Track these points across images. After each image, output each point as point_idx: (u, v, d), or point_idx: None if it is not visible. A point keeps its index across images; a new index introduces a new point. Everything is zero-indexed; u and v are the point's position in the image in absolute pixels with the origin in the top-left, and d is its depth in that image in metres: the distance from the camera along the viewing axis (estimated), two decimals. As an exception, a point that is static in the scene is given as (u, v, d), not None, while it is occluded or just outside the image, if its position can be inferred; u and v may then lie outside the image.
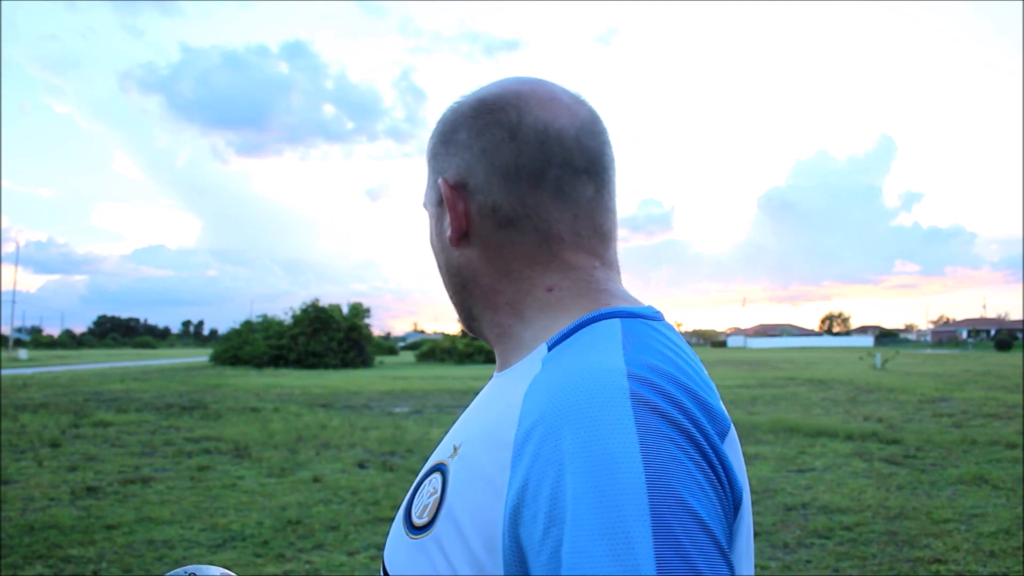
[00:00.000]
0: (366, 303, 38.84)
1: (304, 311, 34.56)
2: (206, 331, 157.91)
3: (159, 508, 5.61)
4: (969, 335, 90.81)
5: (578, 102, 0.72)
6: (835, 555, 4.53)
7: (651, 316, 0.67)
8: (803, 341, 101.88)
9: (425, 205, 0.76)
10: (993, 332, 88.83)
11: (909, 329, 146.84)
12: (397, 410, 12.71)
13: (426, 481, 0.65)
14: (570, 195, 0.68)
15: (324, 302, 35.53)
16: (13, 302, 72.01)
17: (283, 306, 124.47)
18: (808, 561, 4.44)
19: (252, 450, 8.24)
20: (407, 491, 0.69)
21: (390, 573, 0.64)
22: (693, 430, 0.53)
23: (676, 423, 0.53)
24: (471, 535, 0.56)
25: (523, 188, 0.67)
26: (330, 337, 33.35)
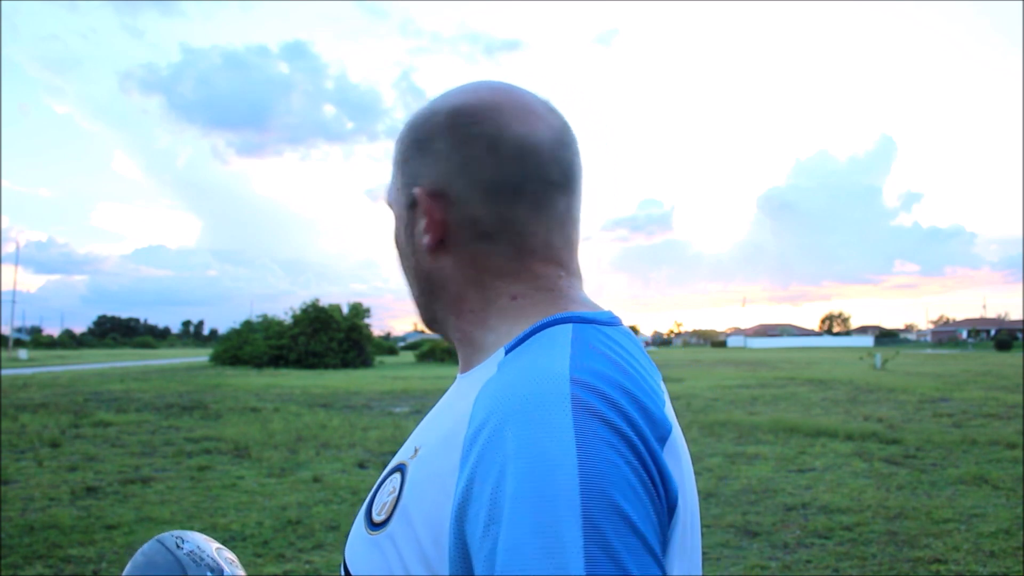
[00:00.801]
0: (366, 303, 38.74)
1: (304, 311, 34.54)
2: (206, 331, 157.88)
3: (159, 508, 5.61)
4: (969, 335, 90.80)
5: (551, 112, 0.73)
6: (835, 555, 4.53)
7: (606, 321, 0.68)
8: (803, 341, 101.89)
9: (390, 203, 0.77)
10: (993, 332, 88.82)
11: (909, 329, 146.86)
12: (397, 410, 12.71)
13: (387, 480, 0.67)
14: (545, 208, 0.70)
15: (324, 302, 35.53)
16: (13, 302, 72.12)
17: (283, 306, 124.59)
18: (808, 561, 4.44)
19: (252, 450, 8.24)
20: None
21: (349, 567, 0.67)
22: (631, 435, 0.55)
23: (614, 427, 0.54)
24: (422, 533, 0.59)
25: (503, 202, 0.68)
26: (330, 337, 33.34)
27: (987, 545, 4.70)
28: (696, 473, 5.33)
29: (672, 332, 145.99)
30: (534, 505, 0.50)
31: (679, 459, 0.61)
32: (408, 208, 0.73)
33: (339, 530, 5.08)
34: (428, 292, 0.75)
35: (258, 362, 31.96)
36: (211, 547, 0.93)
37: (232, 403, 13.61)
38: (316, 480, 6.68)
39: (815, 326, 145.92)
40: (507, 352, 0.67)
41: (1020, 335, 77.57)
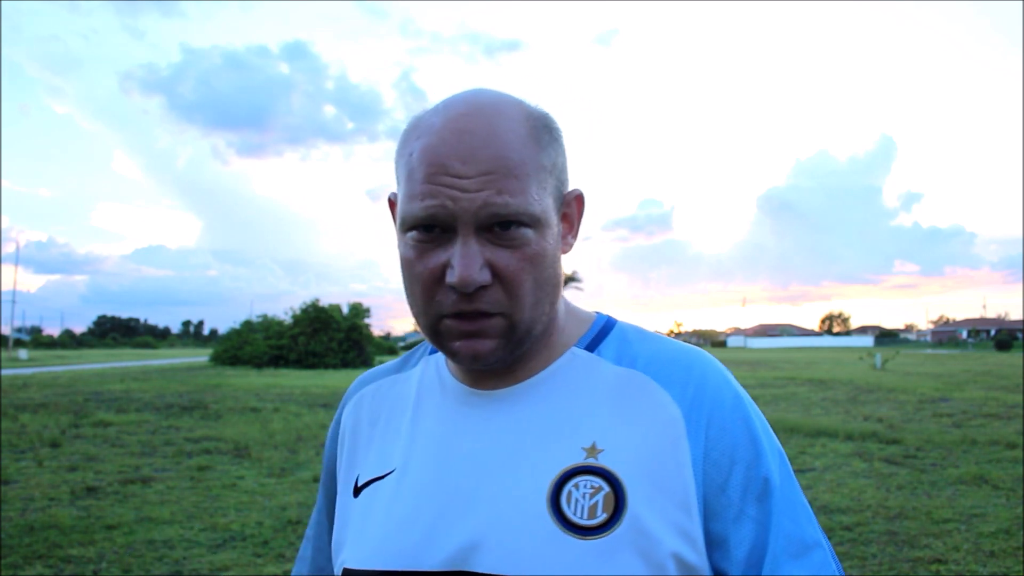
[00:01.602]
0: (366, 303, 38.67)
1: (304, 311, 34.51)
2: (206, 331, 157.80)
3: (159, 508, 5.61)
4: (969, 335, 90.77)
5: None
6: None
7: None
8: (803, 341, 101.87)
9: (540, 215, 0.70)
10: (993, 332, 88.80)
11: (909, 329, 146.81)
12: (397, 410, 12.70)
13: (569, 487, 0.68)
14: None
15: (324, 302, 35.47)
16: (13, 302, 72.11)
17: (283, 306, 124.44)
18: (808, 561, 4.44)
19: (252, 450, 8.24)
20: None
21: None
22: None
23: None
24: (671, 507, 0.67)
25: None
26: (330, 337, 33.30)
27: (987, 545, 4.70)
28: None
29: (672, 332, 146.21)
30: (767, 436, 0.73)
31: None
32: (557, 211, 0.74)
33: (339, 530, 5.08)
34: (553, 301, 0.74)
35: (258, 362, 31.93)
36: None
37: (232, 403, 13.60)
38: (316, 480, 6.68)
39: (815, 326, 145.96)
40: (590, 349, 0.77)
41: (1020, 335, 77.56)
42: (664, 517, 0.66)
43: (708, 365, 0.74)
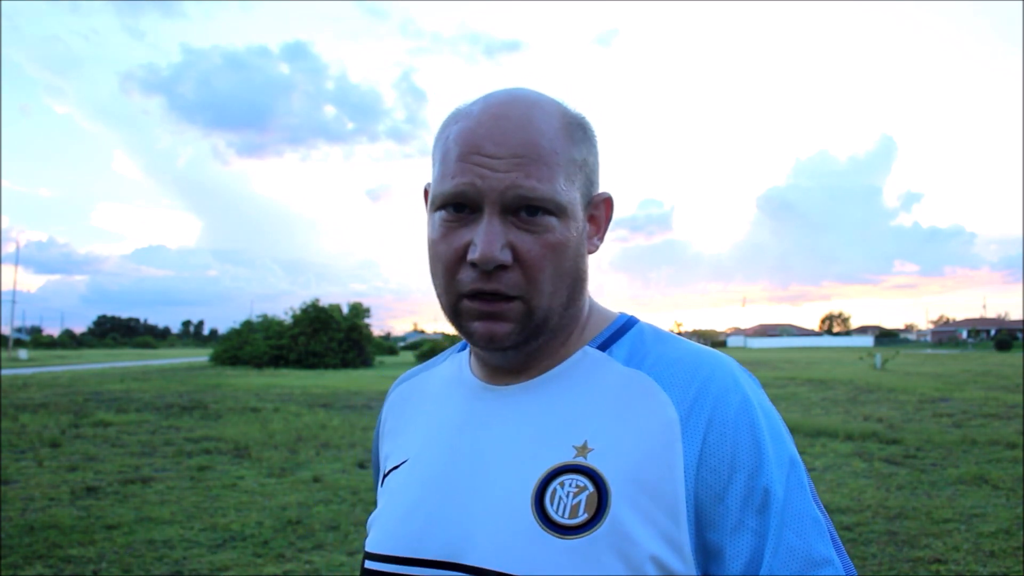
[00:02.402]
0: (366, 303, 38.72)
1: (304, 311, 34.53)
2: (206, 331, 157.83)
3: (159, 508, 5.61)
4: (969, 335, 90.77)
5: None
6: (835, 555, 4.53)
7: None
8: (803, 341, 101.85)
9: (565, 205, 0.71)
10: (993, 332, 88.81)
11: (909, 329, 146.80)
12: (397, 410, 12.71)
13: (554, 485, 0.68)
14: None
15: (324, 302, 35.51)
16: (13, 302, 72.02)
17: (283, 306, 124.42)
18: (808, 561, 4.44)
19: (252, 450, 8.24)
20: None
21: None
22: None
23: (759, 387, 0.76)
24: (656, 512, 0.66)
25: None
26: (330, 337, 33.32)
27: (987, 545, 4.70)
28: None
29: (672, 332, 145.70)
30: (776, 446, 0.69)
31: None
32: (585, 210, 0.76)
33: (339, 530, 5.08)
34: (577, 298, 0.77)
35: (258, 362, 31.94)
36: None
37: (232, 403, 13.61)
38: (316, 480, 6.68)
39: (815, 326, 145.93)
40: (603, 349, 0.77)
41: (1020, 335, 77.58)
42: (648, 521, 0.65)
43: (717, 367, 0.72)
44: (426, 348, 43.21)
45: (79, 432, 9.67)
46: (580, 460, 0.68)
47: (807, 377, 20.84)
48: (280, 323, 34.73)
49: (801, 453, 5.83)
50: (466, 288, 0.71)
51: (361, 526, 5.19)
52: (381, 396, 15.74)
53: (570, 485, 0.67)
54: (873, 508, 5.59)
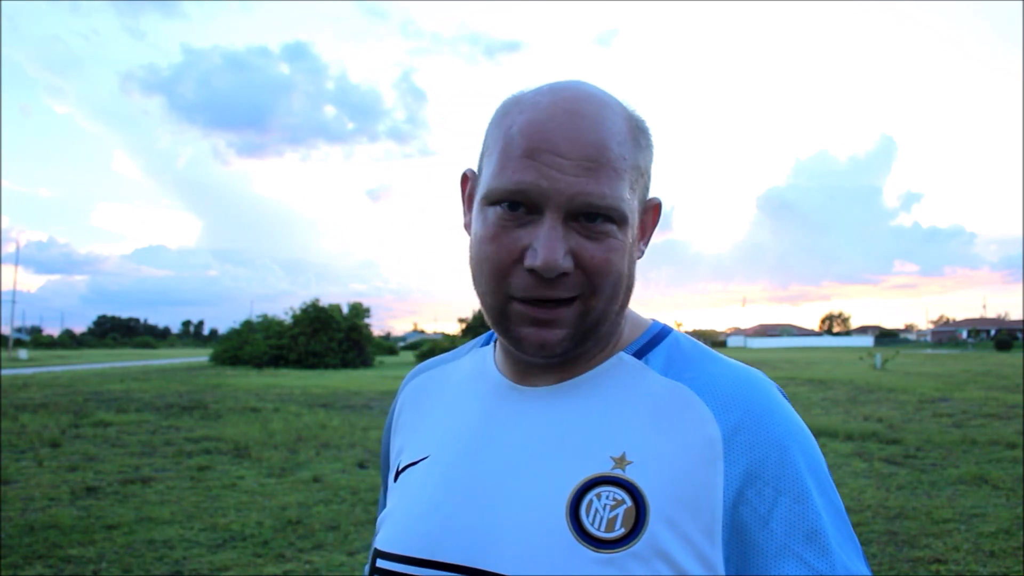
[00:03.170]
0: (366, 303, 38.64)
1: (304, 311, 34.50)
2: (206, 331, 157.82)
3: (159, 508, 5.61)
4: (969, 335, 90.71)
5: None
6: (835, 555, 4.52)
7: None
8: (803, 341, 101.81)
9: (626, 213, 0.69)
10: (993, 332, 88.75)
11: (909, 329, 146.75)
12: (397, 410, 12.70)
13: (590, 497, 0.65)
14: None
15: (324, 302, 35.47)
16: (13, 302, 72.03)
17: (283, 306, 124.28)
18: (808, 561, 4.44)
19: (252, 450, 8.24)
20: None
21: None
22: None
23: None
24: (693, 530, 0.64)
25: None
26: (330, 337, 33.30)
27: (987, 545, 4.70)
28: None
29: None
30: (814, 472, 0.67)
31: None
32: (641, 215, 0.74)
33: (339, 530, 5.08)
34: (623, 304, 0.75)
35: (258, 362, 31.92)
36: None
37: (232, 403, 13.60)
38: (316, 480, 6.68)
39: (815, 326, 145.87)
40: (639, 356, 0.74)
41: (1020, 335, 77.53)
42: (684, 540, 0.63)
43: (761, 387, 0.70)
44: (426, 348, 43.23)
45: (79, 432, 9.67)
46: (619, 473, 0.66)
47: (807, 377, 20.83)
48: (280, 323, 34.70)
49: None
50: (519, 293, 0.68)
51: (361, 526, 5.19)
52: (381, 396, 15.74)
53: (607, 498, 0.65)
54: (873, 508, 5.59)
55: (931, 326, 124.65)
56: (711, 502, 0.64)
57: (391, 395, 16.08)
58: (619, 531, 0.63)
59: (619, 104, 0.71)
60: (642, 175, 0.71)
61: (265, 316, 36.48)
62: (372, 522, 5.30)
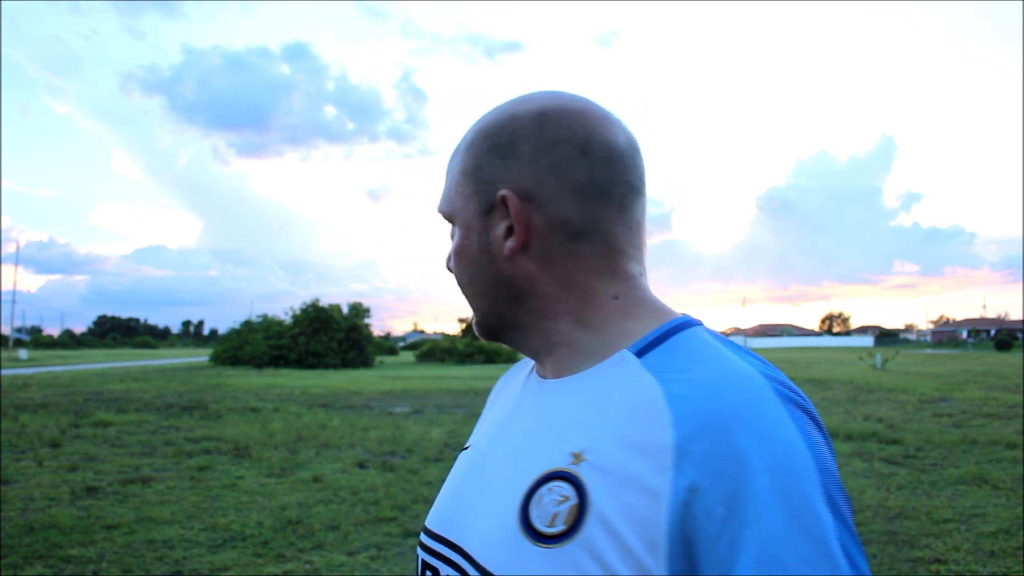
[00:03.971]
0: (366, 303, 38.66)
1: (304, 311, 34.53)
2: (206, 331, 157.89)
3: (159, 508, 5.61)
4: (969, 335, 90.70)
5: (621, 122, 0.77)
6: (835, 555, 4.53)
7: (699, 322, 0.75)
8: (803, 341, 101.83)
9: (450, 213, 0.77)
10: (993, 332, 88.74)
11: (909, 329, 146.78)
12: (397, 410, 12.71)
13: (543, 490, 0.65)
14: (627, 210, 0.73)
15: (324, 302, 35.51)
16: (13, 302, 71.96)
17: (283, 306, 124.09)
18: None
19: (252, 450, 8.24)
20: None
21: None
22: (820, 420, 0.63)
23: (812, 416, 0.62)
24: (630, 537, 0.59)
25: (593, 204, 0.71)
26: (330, 337, 33.32)
27: (987, 545, 4.70)
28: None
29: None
30: (784, 493, 0.55)
31: None
32: (482, 214, 0.73)
33: (339, 530, 5.08)
34: (509, 298, 0.75)
35: (258, 362, 31.94)
36: None
37: (232, 403, 13.60)
38: (316, 480, 6.68)
39: (815, 326, 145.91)
40: (639, 355, 0.69)
41: (1020, 335, 77.52)
42: (621, 546, 0.59)
43: (741, 393, 0.60)
44: (426, 348, 43.25)
45: (79, 432, 9.67)
46: (571, 469, 0.64)
47: (807, 377, 20.84)
48: (280, 323, 34.73)
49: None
50: None
51: (361, 526, 5.19)
52: (381, 396, 15.76)
53: (556, 492, 0.64)
54: (873, 508, 5.59)
55: (931, 326, 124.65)
56: (655, 513, 0.58)
57: (391, 395, 16.11)
58: (559, 527, 0.62)
59: (524, 108, 0.74)
60: (479, 171, 0.74)
61: (265, 316, 36.50)
62: (372, 522, 5.31)
